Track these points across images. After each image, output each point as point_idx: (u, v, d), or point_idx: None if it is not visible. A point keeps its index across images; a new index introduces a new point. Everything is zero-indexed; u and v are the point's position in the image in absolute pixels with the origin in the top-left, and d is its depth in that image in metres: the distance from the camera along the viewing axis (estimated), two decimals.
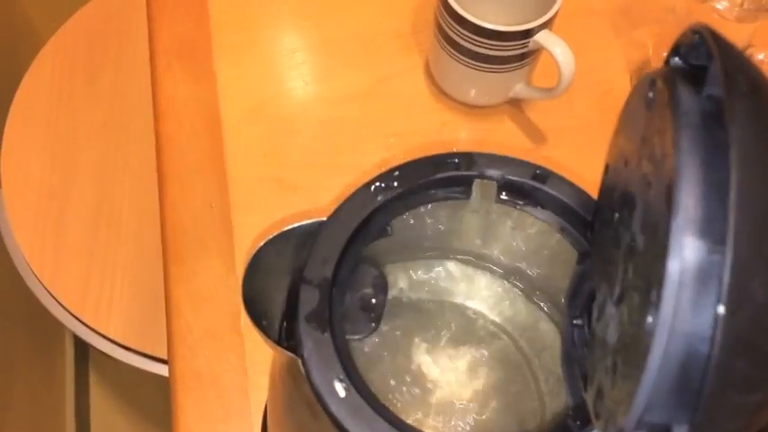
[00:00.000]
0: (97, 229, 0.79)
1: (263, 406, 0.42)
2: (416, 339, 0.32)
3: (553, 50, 0.46)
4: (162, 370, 0.74)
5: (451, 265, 0.33)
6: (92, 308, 0.75)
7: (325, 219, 0.26)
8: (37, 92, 0.86)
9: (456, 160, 0.27)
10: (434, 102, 0.54)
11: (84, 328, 0.75)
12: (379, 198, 0.27)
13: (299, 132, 0.53)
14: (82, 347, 1.10)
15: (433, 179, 0.27)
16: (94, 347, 0.75)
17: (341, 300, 0.26)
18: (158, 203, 0.51)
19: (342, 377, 0.24)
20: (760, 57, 0.55)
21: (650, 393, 0.16)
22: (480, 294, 0.33)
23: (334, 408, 0.23)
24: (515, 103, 0.54)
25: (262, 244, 0.27)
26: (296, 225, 0.27)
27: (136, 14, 0.90)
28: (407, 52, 0.56)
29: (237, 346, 0.45)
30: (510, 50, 0.48)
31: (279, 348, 0.25)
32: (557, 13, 0.47)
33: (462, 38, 0.48)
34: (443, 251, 0.32)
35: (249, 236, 0.48)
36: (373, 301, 0.27)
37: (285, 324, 0.26)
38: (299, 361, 0.24)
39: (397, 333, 0.31)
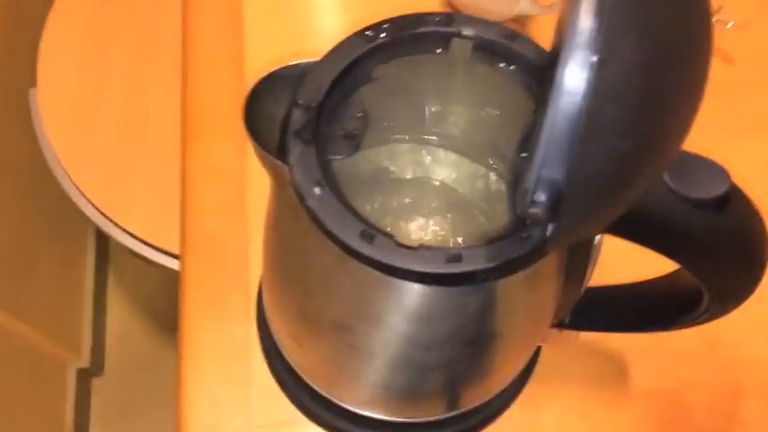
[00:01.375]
0: (125, 129, 0.84)
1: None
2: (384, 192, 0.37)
3: None
4: (175, 265, 0.79)
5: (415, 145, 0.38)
6: (114, 203, 0.80)
7: (318, 59, 0.30)
8: None
9: (438, 18, 0.31)
10: (442, 9, 0.58)
11: (106, 220, 0.80)
12: (368, 45, 0.31)
13: (314, 21, 0.57)
14: (103, 240, 1.17)
15: (417, 32, 0.31)
16: (114, 239, 0.81)
17: (326, 124, 0.30)
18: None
19: (320, 181, 0.28)
20: (729, 25, 0.54)
21: (544, 150, 0.20)
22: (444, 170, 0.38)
23: (310, 203, 0.27)
24: (521, 20, 0.57)
25: (262, 76, 0.31)
26: (294, 63, 0.31)
27: None
28: None
29: (242, 213, 0.49)
30: None
31: (270, 158, 0.29)
32: None
33: None
34: (414, 123, 0.37)
35: None
36: (354, 132, 0.31)
37: (279, 143, 0.30)
38: (286, 168, 0.28)
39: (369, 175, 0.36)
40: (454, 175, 0.40)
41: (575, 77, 0.19)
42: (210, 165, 0.52)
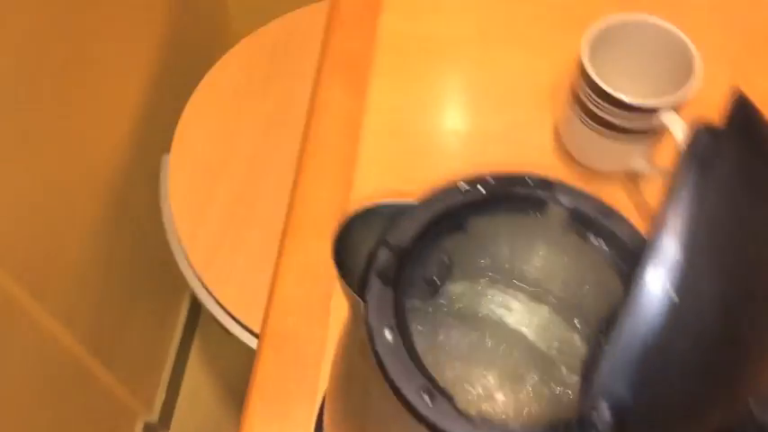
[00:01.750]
0: (239, 206, 0.89)
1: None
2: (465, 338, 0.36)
3: (675, 133, 0.49)
4: (254, 344, 0.81)
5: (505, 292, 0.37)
6: (214, 273, 0.84)
7: (413, 201, 0.32)
8: (221, 80, 0.99)
9: (537, 182, 0.32)
10: (555, 158, 0.58)
11: (203, 288, 0.84)
12: (464, 197, 0.32)
13: (428, 154, 0.59)
14: (197, 306, 1.21)
15: (514, 192, 0.32)
16: (206, 307, 0.84)
17: (410, 268, 0.31)
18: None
19: (392, 326, 0.28)
20: None
21: (612, 365, 0.19)
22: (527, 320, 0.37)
23: (379, 348, 0.28)
24: (633, 177, 0.57)
25: (354, 213, 0.32)
26: (388, 202, 0.32)
27: (316, 34, 1.01)
28: (542, 106, 0.61)
29: (324, 319, 0.50)
30: (633, 122, 0.51)
31: (350, 290, 0.30)
32: (688, 95, 0.50)
33: (590, 100, 0.52)
34: (501, 273, 0.36)
35: None
36: (436, 278, 0.32)
37: (361, 278, 0.31)
38: (363, 304, 0.29)
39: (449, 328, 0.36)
40: (534, 325, 0.39)
41: (651, 304, 0.18)
42: (303, 264, 0.53)
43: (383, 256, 0.30)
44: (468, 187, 0.32)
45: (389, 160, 0.58)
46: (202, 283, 0.84)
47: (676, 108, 0.50)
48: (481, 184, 0.32)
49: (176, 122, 0.95)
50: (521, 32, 0.65)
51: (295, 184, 0.57)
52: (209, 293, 0.84)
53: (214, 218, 0.88)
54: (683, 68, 0.51)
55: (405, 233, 0.31)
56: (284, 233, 0.55)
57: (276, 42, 1.02)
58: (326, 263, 0.54)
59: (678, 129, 0.49)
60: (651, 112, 0.50)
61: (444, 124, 0.60)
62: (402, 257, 0.30)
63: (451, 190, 0.32)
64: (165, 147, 0.94)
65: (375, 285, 0.29)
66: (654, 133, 0.52)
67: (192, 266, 0.85)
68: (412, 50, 0.64)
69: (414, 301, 0.31)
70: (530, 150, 0.59)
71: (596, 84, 0.50)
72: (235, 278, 0.84)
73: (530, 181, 0.32)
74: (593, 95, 0.51)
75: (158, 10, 1.02)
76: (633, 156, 0.55)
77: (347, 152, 0.58)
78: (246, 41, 1.02)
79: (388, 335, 0.28)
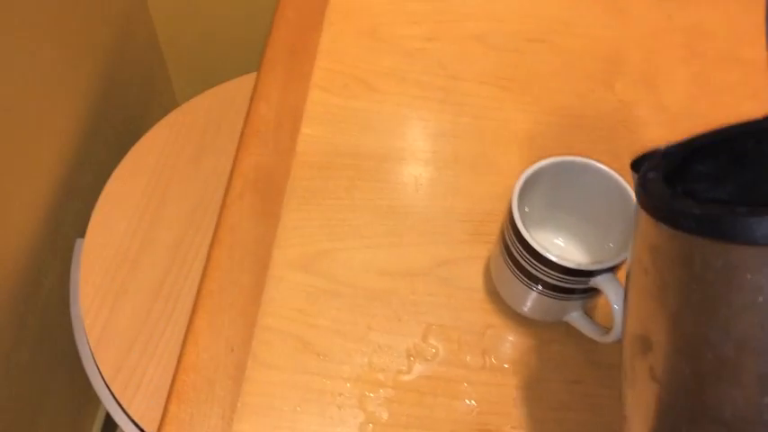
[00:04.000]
0: (154, 302, 0.81)
1: None
2: None
3: (611, 300, 0.43)
4: None
5: None
6: (123, 379, 0.76)
7: None
8: (148, 155, 0.91)
9: None
10: (486, 300, 0.52)
11: (111, 397, 0.76)
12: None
13: (340, 295, 0.52)
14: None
15: None
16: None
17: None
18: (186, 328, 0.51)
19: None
20: None
21: None
22: None
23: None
24: (569, 326, 0.51)
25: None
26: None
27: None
28: (474, 239, 0.55)
29: None
30: (569, 284, 0.45)
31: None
32: (624, 261, 0.44)
33: (522, 257, 0.45)
34: None
35: (257, 392, 0.47)
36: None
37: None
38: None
39: None
40: None
41: None
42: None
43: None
44: None
45: (295, 300, 0.51)
46: (111, 393, 0.76)
47: (615, 269, 0.44)
48: None
49: (94, 202, 0.87)
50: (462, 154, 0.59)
51: (188, 329, 0.50)
52: (118, 404, 0.76)
53: (126, 314, 0.80)
54: (624, 213, 0.45)
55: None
56: (169, 396, 0.48)
57: (209, 114, 0.95)
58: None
59: (614, 295, 0.43)
60: (587, 275, 0.44)
61: (360, 258, 0.54)
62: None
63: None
64: (80, 230, 0.86)
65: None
66: (590, 292, 0.46)
67: (99, 372, 0.77)
68: (330, 170, 0.57)
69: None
70: (455, 290, 0.52)
71: (527, 243, 0.44)
72: (145, 387, 0.76)
73: None
74: (524, 252, 0.45)
75: (83, 77, 0.94)
76: (569, 310, 0.49)
77: (249, 289, 0.52)
78: (176, 113, 0.95)
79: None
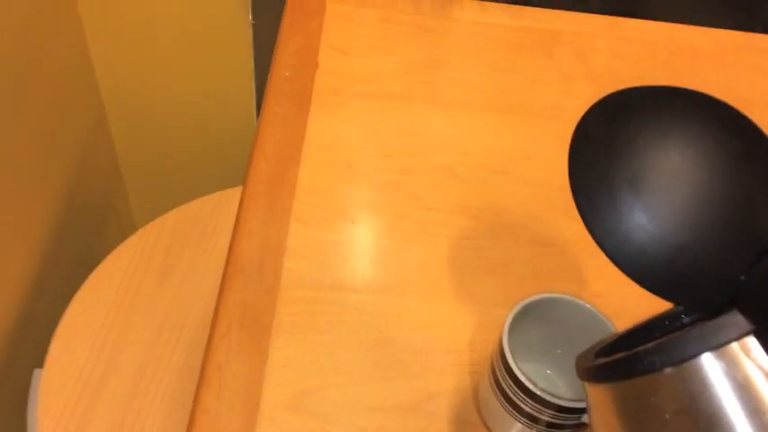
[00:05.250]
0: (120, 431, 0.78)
1: None
2: None
3: None
4: None
5: None
6: None
7: None
8: (109, 278, 0.90)
9: None
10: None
11: None
12: None
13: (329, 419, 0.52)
14: None
15: None
16: None
17: None
18: None
19: None
20: None
21: None
22: None
23: None
24: None
25: None
26: None
27: (221, 226, 0.95)
28: (459, 370, 0.56)
29: None
30: (560, 420, 0.47)
31: None
32: None
33: (514, 393, 0.47)
34: None
35: None
36: None
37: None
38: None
39: None
40: None
41: None
42: None
43: None
44: None
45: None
46: None
47: None
48: None
49: (53, 331, 0.84)
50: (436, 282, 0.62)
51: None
52: None
53: None
54: None
55: None
56: None
57: (173, 235, 0.95)
58: None
59: None
60: (579, 412, 0.46)
61: (351, 397, 0.54)
62: None
63: None
64: (38, 360, 0.83)
65: None
66: (584, 426, 0.48)
67: None
68: (315, 304, 0.59)
69: None
70: (445, 425, 0.53)
71: (519, 380, 0.46)
72: None
73: None
74: (516, 389, 0.47)
75: (41, 202, 0.93)
76: None
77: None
78: (138, 235, 0.95)
79: None
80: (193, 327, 0.87)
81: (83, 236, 1.05)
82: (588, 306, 0.49)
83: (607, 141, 0.35)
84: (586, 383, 0.36)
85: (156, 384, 0.82)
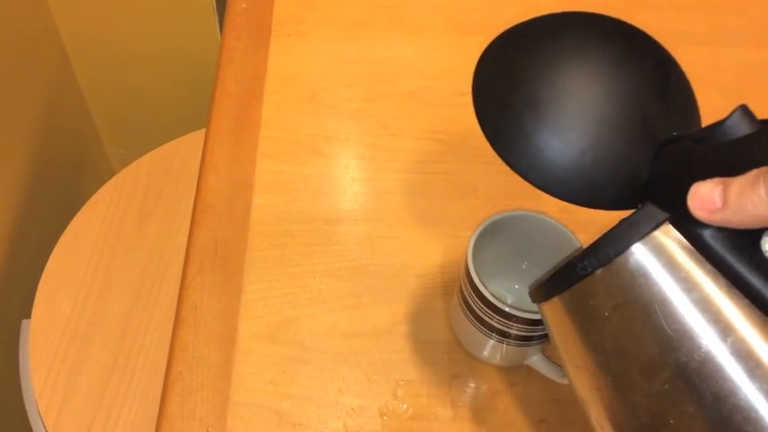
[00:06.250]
0: (110, 379, 0.79)
1: None
2: None
3: None
4: None
5: None
6: None
7: None
8: (88, 226, 0.90)
9: None
10: (449, 351, 0.54)
11: None
12: None
13: (309, 361, 0.53)
14: None
15: None
16: None
17: None
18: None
19: None
20: None
21: None
22: None
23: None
24: (531, 369, 0.53)
25: None
26: None
27: (196, 167, 0.94)
28: (432, 292, 0.57)
29: None
30: (528, 332, 0.48)
31: None
32: None
33: (481, 310, 0.48)
34: None
35: None
36: None
37: None
38: None
39: None
40: None
41: None
42: None
43: None
44: None
45: (266, 372, 0.52)
46: None
47: None
48: None
49: (37, 282, 0.85)
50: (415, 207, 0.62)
51: (161, 413, 0.50)
52: None
53: (82, 395, 0.78)
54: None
55: None
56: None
57: (149, 178, 0.95)
58: None
59: None
60: (540, 323, 0.47)
61: (325, 322, 0.55)
62: None
63: None
64: (26, 311, 0.84)
65: None
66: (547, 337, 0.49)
67: None
68: (287, 236, 0.59)
69: None
70: (419, 345, 0.54)
71: (485, 297, 0.47)
72: None
73: None
74: (483, 305, 0.47)
75: (12, 155, 0.92)
76: (529, 354, 0.52)
77: (219, 366, 0.52)
78: (114, 181, 0.94)
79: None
80: (176, 269, 0.87)
81: (59, 185, 1.05)
82: (550, 220, 0.49)
83: (505, 70, 0.37)
84: (540, 306, 0.37)
85: (143, 328, 0.83)
